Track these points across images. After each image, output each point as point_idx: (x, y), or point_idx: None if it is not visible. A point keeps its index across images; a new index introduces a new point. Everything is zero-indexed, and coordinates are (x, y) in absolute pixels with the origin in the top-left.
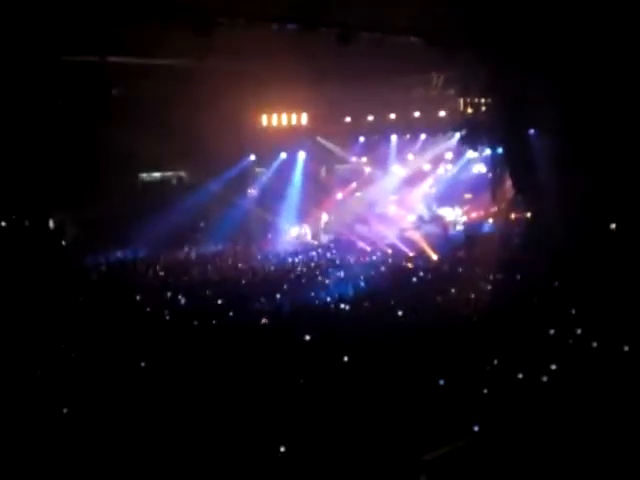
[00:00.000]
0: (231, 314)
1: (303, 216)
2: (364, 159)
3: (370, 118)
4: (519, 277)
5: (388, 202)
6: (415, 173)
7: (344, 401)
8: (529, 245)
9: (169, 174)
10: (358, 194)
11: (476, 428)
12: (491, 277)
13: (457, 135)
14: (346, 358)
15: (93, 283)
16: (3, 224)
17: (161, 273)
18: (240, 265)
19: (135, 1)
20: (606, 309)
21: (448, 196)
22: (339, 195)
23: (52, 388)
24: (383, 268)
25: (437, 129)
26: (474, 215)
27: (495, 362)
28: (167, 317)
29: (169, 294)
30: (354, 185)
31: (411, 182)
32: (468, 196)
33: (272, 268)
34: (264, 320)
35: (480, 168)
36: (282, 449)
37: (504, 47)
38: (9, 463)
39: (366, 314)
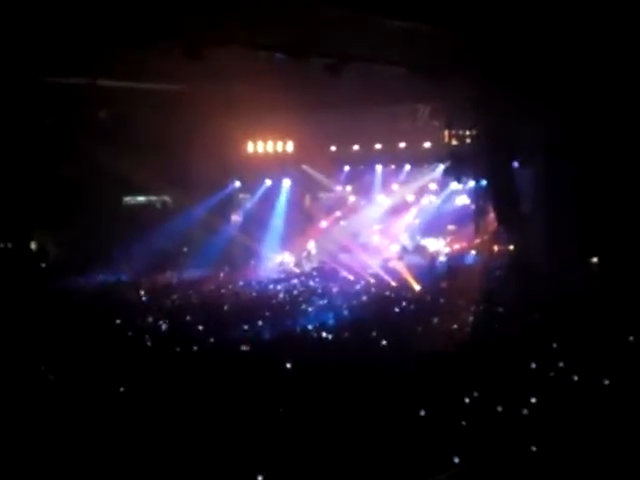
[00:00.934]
0: (212, 340)
1: (286, 244)
2: (349, 188)
3: (355, 147)
4: (501, 309)
5: (372, 232)
6: (399, 203)
7: (324, 430)
8: (511, 277)
9: (153, 198)
10: (342, 223)
11: (456, 460)
12: (473, 308)
13: (441, 166)
14: (327, 387)
15: (74, 305)
16: None
17: (143, 297)
18: (222, 291)
19: (125, 26)
20: (588, 343)
21: (432, 227)
22: (323, 224)
23: (30, 410)
24: (365, 297)
25: (422, 160)
26: (457, 246)
27: (475, 394)
28: (148, 342)
29: (150, 319)
30: (338, 214)
31: (395, 212)
32: (451, 227)
33: (254, 295)
34: (245, 347)
35: (464, 200)
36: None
37: (489, 78)
38: None
39: (347, 343)
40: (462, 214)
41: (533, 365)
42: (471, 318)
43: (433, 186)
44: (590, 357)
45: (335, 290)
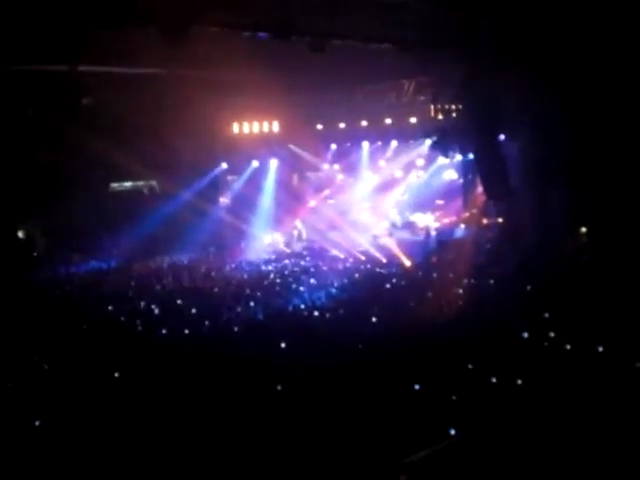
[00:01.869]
0: (206, 323)
1: (276, 224)
2: (336, 166)
3: (342, 125)
4: (492, 282)
5: (361, 209)
6: (387, 180)
7: (322, 407)
8: (501, 250)
9: (140, 183)
10: (331, 201)
11: (452, 432)
12: (464, 282)
13: (428, 141)
14: (321, 364)
15: (65, 293)
16: None
17: (133, 283)
18: (213, 273)
19: (104, 10)
20: (579, 312)
21: (420, 202)
22: (312, 202)
23: (24, 399)
24: (357, 275)
25: (408, 136)
26: (446, 221)
27: (469, 366)
28: (140, 327)
29: (142, 303)
30: (326, 192)
31: (383, 189)
32: (440, 202)
33: (245, 276)
34: (237, 328)
35: (451, 174)
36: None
37: (474, 52)
38: None
39: (340, 321)
40: (450, 188)
41: (525, 335)
42: (462, 292)
43: (420, 161)
44: (582, 326)
45: (326, 268)
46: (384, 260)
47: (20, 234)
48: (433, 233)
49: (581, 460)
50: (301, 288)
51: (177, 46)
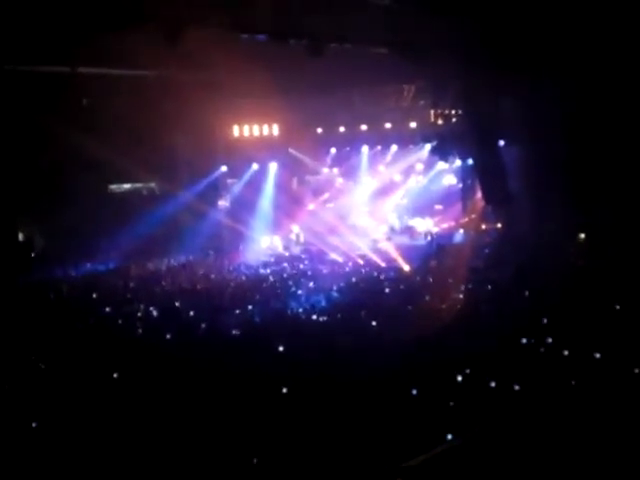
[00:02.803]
0: (203, 326)
1: (275, 227)
2: (335, 170)
3: (341, 129)
4: (490, 287)
5: (360, 213)
6: (386, 184)
7: (320, 411)
8: (500, 255)
9: (139, 185)
10: (330, 205)
11: (449, 436)
12: (462, 287)
13: (428, 146)
14: (319, 368)
15: (64, 295)
16: None
17: (132, 284)
18: (212, 276)
19: (105, 12)
20: (577, 318)
21: (419, 207)
22: (311, 206)
23: (21, 400)
24: (355, 279)
25: (408, 140)
26: (445, 226)
27: (467, 371)
28: (139, 329)
29: (141, 306)
30: (326, 196)
31: (382, 193)
32: (439, 207)
33: (244, 279)
34: (236, 331)
35: (451, 179)
36: (256, 460)
37: (474, 57)
38: None
39: (338, 324)
40: (449, 193)
41: (523, 341)
42: (460, 296)
43: (420, 166)
44: (579, 332)
45: (324, 272)
46: (383, 264)
47: (20, 236)
48: (430, 238)
49: (579, 466)
50: (299, 291)
51: (178, 48)
